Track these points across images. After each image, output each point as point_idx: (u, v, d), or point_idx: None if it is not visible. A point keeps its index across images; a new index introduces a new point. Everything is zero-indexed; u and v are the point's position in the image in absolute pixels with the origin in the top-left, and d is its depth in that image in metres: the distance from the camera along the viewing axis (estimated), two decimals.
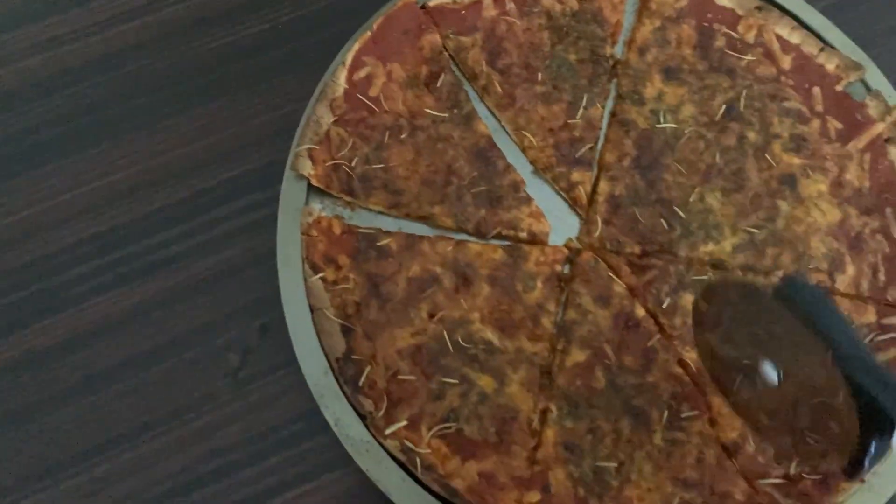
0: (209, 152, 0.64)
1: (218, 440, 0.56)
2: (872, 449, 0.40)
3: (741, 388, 0.51)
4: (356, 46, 0.62)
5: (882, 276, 0.60)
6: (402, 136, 0.61)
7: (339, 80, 0.61)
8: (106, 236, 0.62)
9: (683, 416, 0.54)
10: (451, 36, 0.65)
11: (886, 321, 0.58)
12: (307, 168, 0.58)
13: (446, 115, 0.62)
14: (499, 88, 0.64)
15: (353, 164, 0.60)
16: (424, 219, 0.60)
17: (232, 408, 0.57)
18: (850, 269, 0.59)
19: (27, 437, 0.56)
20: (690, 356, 0.56)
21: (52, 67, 0.67)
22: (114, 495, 0.54)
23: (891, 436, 0.39)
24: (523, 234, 0.60)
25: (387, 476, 0.51)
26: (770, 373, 0.47)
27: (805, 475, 0.53)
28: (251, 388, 0.57)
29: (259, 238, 0.61)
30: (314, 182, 0.59)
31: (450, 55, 0.65)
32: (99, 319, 0.59)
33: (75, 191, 0.63)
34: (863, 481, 0.52)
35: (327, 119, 0.60)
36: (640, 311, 0.57)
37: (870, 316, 0.58)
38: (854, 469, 0.42)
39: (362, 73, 0.62)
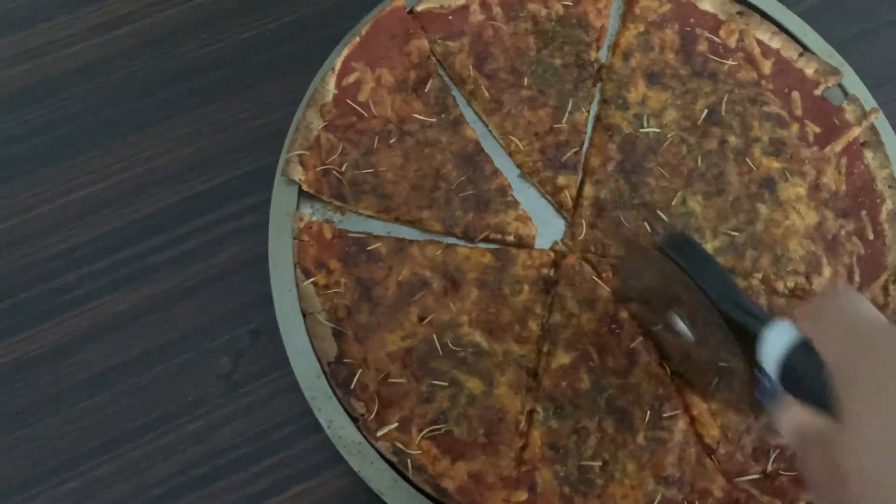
0: (198, 158, 0.65)
1: (211, 443, 0.57)
2: (759, 379, 0.45)
3: (662, 335, 0.56)
4: (345, 52, 0.62)
5: (857, 278, 0.62)
6: (391, 140, 0.62)
7: (329, 86, 0.61)
8: (97, 242, 0.62)
9: (665, 415, 0.56)
10: (438, 41, 0.66)
11: None
12: (298, 174, 0.59)
13: (434, 120, 0.63)
14: (486, 93, 0.65)
15: (343, 169, 0.61)
16: (413, 223, 0.61)
17: (225, 411, 0.58)
18: (827, 271, 0.61)
19: (20, 442, 0.56)
20: None
21: (39, 76, 0.68)
22: (108, 499, 0.55)
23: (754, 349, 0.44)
24: (510, 238, 0.61)
25: (379, 477, 0.53)
26: (679, 324, 0.52)
27: (781, 472, 0.55)
28: (243, 391, 0.58)
29: (249, 242, 0.62)
30: (305, 187, 0.60)
31: (437, 60, 0.66)
32: (90, 325, 0.60)
33: (65, 198, 0.64)
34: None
35: (317, 124, 0.61)
36: (624, 314, 0.59)
37: None
38: (753, 402, 0.46)
39: (351, 79, 0.63)
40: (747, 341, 0.45)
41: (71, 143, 0.65)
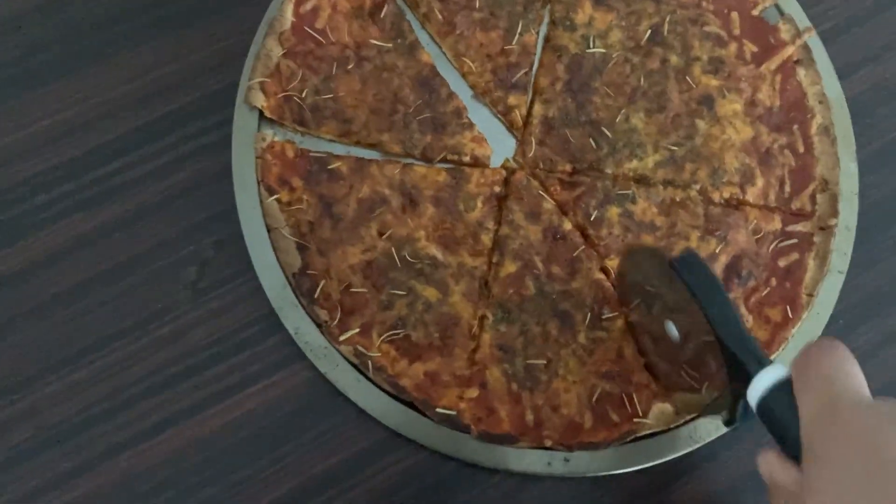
0: (157, 84, 0.67)
1: (182, 345, 0.60)
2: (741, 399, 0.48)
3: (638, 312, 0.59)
4: None
5: (787, 188, 0.66)
6: (349, 66, 0.65)
7: (287, 14, 0.64)
8: (64, 167, 0.65)
9: (604, 317, 0.61)
10: None
11: (790, 228, 0.65)
12: (259, 100, 0.62)
13: (391, 45, 0.66)
14: (439, 16, 0.67)
15: (304, 95, 0.63)
16: (374, 146, 0.64)
17: (193, 316, 0.61)
18: (760, 182, 0.66)
19: (2, 350, 0.60)
20: (612, 264, 0.62)
21: (2, 9, 0.69)
22: (89, 399, 0.58)
23: (746, 384, 0.46)
24: (467, 158, 0.65)
25: (343, 377, 0.58)
26: (669, 326, 0.55)
27: None
28: (209, 297, 0.62)
29: (208, 161, 0.65)
30: (267, 114, 0.63)
31: None
32: (62, 243, 0.63)
33: (30, 127, 0.66)
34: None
35: (277, 52, 0.63)
36: (567, 226, 0.63)
37: (776, 224, 0.65)
38: (730, 418, 0.50)
39: (308, 6, 0.65)
40: (736, 370, 0.47)
41: (33, 77, 0.67)
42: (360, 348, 0.58)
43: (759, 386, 0.45)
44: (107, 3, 0.70)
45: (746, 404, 0.47)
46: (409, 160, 0.65)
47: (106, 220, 0.64)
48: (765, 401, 0.45)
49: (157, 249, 0.63)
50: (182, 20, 0.69)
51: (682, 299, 0.51)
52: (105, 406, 0.58)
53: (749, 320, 0.61)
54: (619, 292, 0.61)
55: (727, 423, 0.51)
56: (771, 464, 0.44)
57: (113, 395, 0.59)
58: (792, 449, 0.42)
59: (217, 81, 0.67)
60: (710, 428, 0.59)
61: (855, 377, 0.42)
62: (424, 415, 0.57)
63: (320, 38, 0.65)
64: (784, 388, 0.44)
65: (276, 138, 0.63)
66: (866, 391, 0.41)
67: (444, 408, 0.57)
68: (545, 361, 0.59)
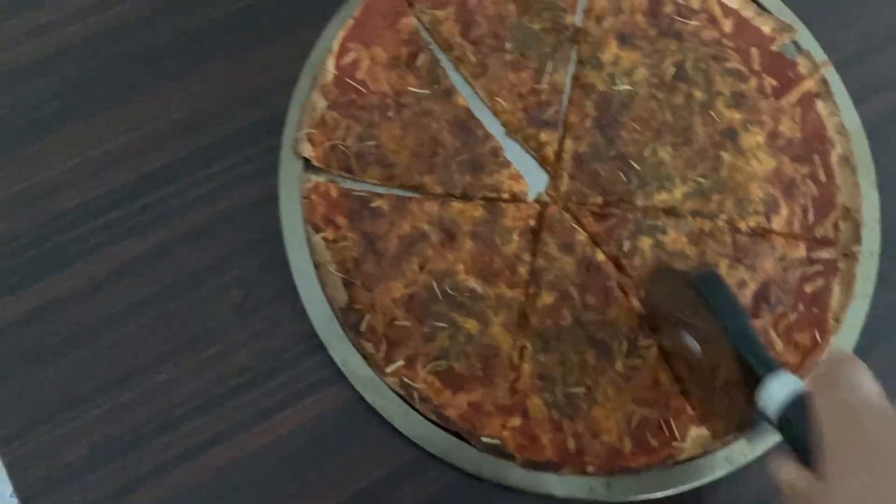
0: (202, 115, 0.70)
1: (228, 365, 0.62)
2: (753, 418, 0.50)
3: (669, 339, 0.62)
4: (341, 34, 0.67)
5: (811, 216, 0.68)
6: (390, 113, 0.68)
7: (329, 67, 0.67)
8: (112, 195, 0.67)
9: (640, 345, 0.63)
10: (426, 10, 0.71)
11: (814, 255, 0.67)
12: (308, 151, 0.65)
13: (427, 91, 0.69)
14: (472, 58, 0.70)
15: (348, 143, 0.66)
16: (416, 188, 0.67)
17: (238, 337, 0.63)
18: (784, 211, 0.68)
19: (57, 372, 0.62)
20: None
21: (52, 48, 0.72)
22: (139, 419, 0.60)
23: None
24: (505, 195, 0.67)
25: (390, 406, 0.60)
26: (691, 342, 0.57)
27: None
28: (254, 319, 0.64)
29: (251, 188, 0.67)
30: (315, 163, 0.65)
31: (425, 28, 0.71)
32: (111, 268, 0.65)
33: (79, 157, 0.68)
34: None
35: (321, 104, 0.66)
36: (600, 256, 0.65)
37: (801, 251, 0.67)
38: (745, 424, 0.52)
39: (349, 59, 0.68)
40: (751, 382, 0.50)
41: (82, 108, 0.70)
42: (406, 380, 0.60)
43: (776, 398, 0.48)
44: (154, 36, 0.73)
45: (758, 413, 0.50)
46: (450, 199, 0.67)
47: (153, 245, 0.66)
48: (784, 413, 0.48)
49: (203, 273, 0.65)
50: (226, 54, 0.72)
51: (702, 315, 0.54)
52: (153, 426, 0.60)
53: (779, 345, 0.63)
54: (646, 313, 0.64)
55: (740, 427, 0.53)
56: (789, 472, 0.46)
57: (161, 415, 0.61)
58: (809, 459, 0.44)
59: (260, 112, 0.70)
60: (746, 451, 0.61)
61: (872, 388, 0.44)
62: (468, 442, 0.59)
63: (361, 89, 0.68)
64: (802, 402, 0.46)
65: (321, 179, 0.66)
66: (885, 401, 0.44)
67: (489, 436, 0.59)
68: (584, 389, 0.61)
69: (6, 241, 0.65)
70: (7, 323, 0.63)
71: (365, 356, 0.61)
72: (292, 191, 0.65)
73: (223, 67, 0.72)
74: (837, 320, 0.64)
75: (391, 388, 0.60)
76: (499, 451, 0.59)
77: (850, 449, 0.42)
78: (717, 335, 0.53)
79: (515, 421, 0.61)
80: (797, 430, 0.46)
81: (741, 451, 0.61)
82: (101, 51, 0.72)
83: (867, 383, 0.44)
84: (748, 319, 0.55)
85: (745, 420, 0.52)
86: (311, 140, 0.65)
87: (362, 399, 0.61)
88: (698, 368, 0.58)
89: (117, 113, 0.70)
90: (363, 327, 0.62)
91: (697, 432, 0.61)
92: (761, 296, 0.65)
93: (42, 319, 0.63)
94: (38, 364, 0.62)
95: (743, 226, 0.67)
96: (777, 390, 0.48)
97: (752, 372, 0.50)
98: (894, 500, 0.39)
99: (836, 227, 0.68)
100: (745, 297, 0.65)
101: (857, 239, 0.67)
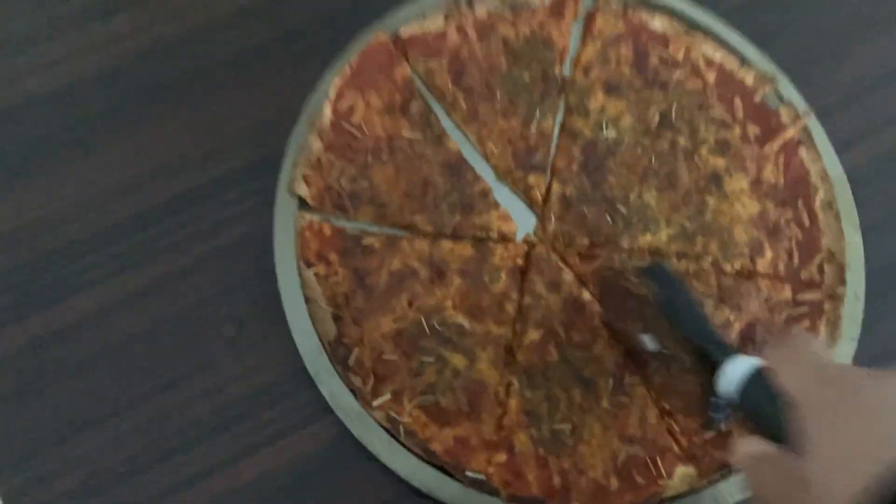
0: (201, 152, 0.72)
1: (219, 399, 0.63)
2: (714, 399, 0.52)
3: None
4: (338, 81, 0.70)
5: (796, 259, 0.69)
6: (383, 156, 0.70)
7: (326, 112, 0.69)
8: (111, 229, 0.69)
9: (626, 382, 0.63)
10: (420, 59, 0.74)
11: (800, 297, 0.68)
12: (303, 191, 0.67)
13: (420, 136, 0.71)
14: (463, 105, 0.73)
15: (342, 184, 0.68)
16: (407, 227, 0.68)
17: (231, 371, 0.64)
18: (769, 254, 0.69)
19: (52, 403, 0.63)
20: None
21: (56, 83, 0.75)
22: (133, 450, 0.61)
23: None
24: (494, 235, 0.69)
25: (376, 440, 0.60)
26: (650, 342, 0.59)
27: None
28: (246, 353, 0.65)
29: (247, 225, 0.69)
30: (310, 203, 0.67)
31: (420, 77, 0.74)
32: (108, 300, 0.66)
33: (80, 191, 0.70)
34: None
35: (317, 146, 0.68)
36: (586, 295, 0.66)
37: (786, 293, 0.68)
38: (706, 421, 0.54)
39: (345, 105, 0.70)
40: (707, 366, 0.52)
41: (83, 143, 0.72)
42: (393, 414, 0.61)
43: (734, 377, 0.49)
44: (157, 73, 0.76)
45: (717, 398, 0.51)
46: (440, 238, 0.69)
47: (150, 279, 0.67)
48: (745, 390, 0.49)
49: (199, 307, 0.67)
50: (227, 93, 0.75)
51: (653, 310, 0.56)
52: (146, 458, 0.61)
53: None
54: (605, 318, 0.65)
55: (705, 425, 0.53)
56: (751, 445, 0.46)
57: (154, 447, 0.61)
58: (774, 430, 0.45)
59: (258, 151, 0.72)
60: (733, 490, 0.60)
61: (825, 351, 0.48)
62: (454, 477, 0.59)
63: (356, 133, 0.70)
64: (761, 377, 0.48)
65: (315, 218, 0.68)
66: (834, 361, 0.46)
67: (474, 471, 0.59)
68: (570, 426, 0.62)
69: (6, 272, 0.67)
70: (4, 354, 0.64)
71: (353, 390, 0.62)
72: (287, 228, 0.67)
73: (224, 106, 0.74)
74: None
75: (378, 422, 0.61)
76: (484, 487, 0.59)
77: (827, 408, 0.42)
78: (670, 330, 0.54)
79: (501, 456, 0.61)
80: (760, 405, 0.47)
81: (728, 491, 0.60)
82: (105, 87, 0.75)
83: (823, 350, 0.47)
84: (700, 307, 0.56)
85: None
86: (306, 180, 0.68)
87: (349, 433, 0.61)
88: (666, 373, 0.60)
89: (119, 148, 0.72)
90: (351, 361, 0.62)
91: (684, 470, 0.61)
92: (747, 336, 0.65)
93: (39, 350, 0.64)
94: (33, 395, 0.63)
95: (728, 268, 0.68)
96: (733, 370, 0.50)
97: (708, 357, 0.51)
98: (880, 451, 0.39)
99: (820, 269, 0.69)
100: (731, 336, 0.65)
101: (842, 281, 0.67)
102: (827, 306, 0.67)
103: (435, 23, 0.74)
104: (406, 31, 0.74)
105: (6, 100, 0.74)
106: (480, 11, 0.75)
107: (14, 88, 0.74)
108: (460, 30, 0.75)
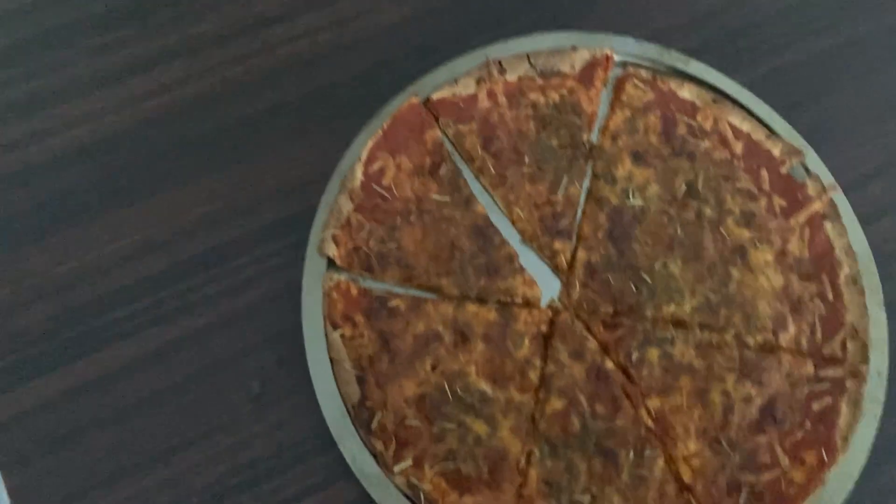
0: (232, 208, 0.74)
1: (243, 457, 0.64)
2: None
3: None
4: (370, 143, 0.72)
5: (819, 335, 0.69)
6: (412, 218, 0.71)
7: (357, 173, 0.71)
8: (140, 284, 0.70)
9: (646, 455, 0.64)
10: (451, 124, 0.75)
11: (822, 373, 0.68)
12: (332, 251, 0.68)
13: (448, 198, 0.72)
14: (492, 169, 0.74)
15: (371, 244, 0.69)
16: (433, 289, 0.69)
17: (254, 429, 0.65)
18: (792, 328, 0.69)
19: (78, 456, 0.64)
20: (653, 403, 0.66)
21: (95, 137, 0.77)
22: None
23: None
24: (518, 300, 0.69)
25: None
26: None
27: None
28: (270, 411, 0.66)
29: (275, 282, 0.70)
30: (338, 263, 0.68)
31: (450, 140, 0.75)
32: (135, 355, 0.68)
33: (111, 245, 0.72)
34: None
35: (348, 207, 0.70)
36: (610, 364, 0.67)
37: (808, 368, 0.68)
38: None
39: (376, 166, 0.72)
40: None
41: (117, 197, 0.74)
42: (413, 480, 0.61)
43: None
44: (191, 129, 0.77)
45: None
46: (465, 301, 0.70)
47: (178, 334, 0.69)
48: None
49: (226, 363, 0.68)
50: (261, 150, 0.77)
51: None
52: None
53: (785, 462, 0.64)
54: None
55: None
56: None
57: (180, 503, 0.62)
58: None
59: (289, 209, 0.73)
60: None
61: None
62: None
63: (386, 194, 0.72)
64: None
65: (342, 277, 0.69)
66: None
67: None
68: (590, 498, 0.62)
69: (37, 324, 0.69)
70: (35, 405, 0.65)
71: (374, 454, 0.62)
72: (315, 287, 0.68)
73: (258, 163, 0.76)
74: (845, 439, 0.64)
75: (398, 488, 0.61)
76: None
77: None
78: None
79: None
80: None
81: None
82: (139, 142, 0.77)
83: None
84: None
85: None
86: (335, 240, 0.69)
87: (368, 496, 0.61)
88: None
89: (152, 202, 0.74)
90: (374, 425, 0.63)
91: None
92: (768, 411, 0.66)
93: (68, 403, 0.66)
94: (60, 447, 0.64)
95: (751, 341, 0.68)
96: None
97: None
98: None
99: (843, 346, 0.68)
100: (752, 411, 0.65)
101: (865, 359, 0.67)
102: (849, 383, 0.67)
103: (466, 87, 0.76)
104: (437, 94, 0.75)
105: (50, 150, 0.76)
106: (511, 76, 0.77)
107: (55, 140, 0.76)
108: (491, 94, 0.76)
